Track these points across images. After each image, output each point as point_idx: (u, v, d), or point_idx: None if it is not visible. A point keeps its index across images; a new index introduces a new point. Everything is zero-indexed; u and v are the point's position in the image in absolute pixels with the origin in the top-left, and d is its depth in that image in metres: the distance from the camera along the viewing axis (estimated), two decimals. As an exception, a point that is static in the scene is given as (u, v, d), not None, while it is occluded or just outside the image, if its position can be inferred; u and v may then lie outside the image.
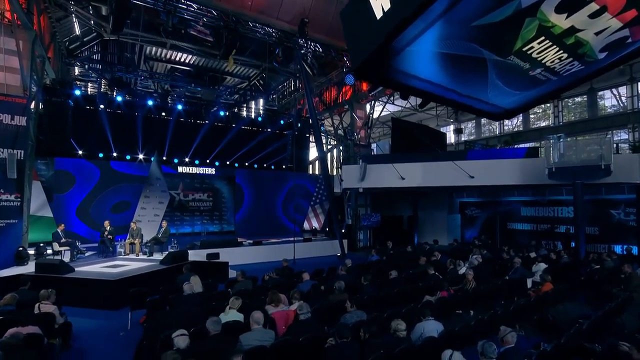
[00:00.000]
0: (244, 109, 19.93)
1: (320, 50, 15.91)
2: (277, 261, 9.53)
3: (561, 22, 1.48)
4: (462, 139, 23.61)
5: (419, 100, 15.88)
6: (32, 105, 10.33)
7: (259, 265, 10.86)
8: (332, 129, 20.80)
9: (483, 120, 23.49)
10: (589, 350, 3.83)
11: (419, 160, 14.08)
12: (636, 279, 6.93)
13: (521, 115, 21.13)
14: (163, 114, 15.40)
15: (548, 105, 19.80)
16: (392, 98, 19.75)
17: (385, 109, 19.73)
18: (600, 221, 13.47)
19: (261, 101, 22.58)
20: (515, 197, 16.33)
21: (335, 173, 19.16)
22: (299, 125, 18.45)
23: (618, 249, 12.66)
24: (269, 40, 14.37)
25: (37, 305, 4.99)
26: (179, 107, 15.49)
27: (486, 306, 6.03)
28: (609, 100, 17.81)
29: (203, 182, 16.47)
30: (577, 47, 1.65)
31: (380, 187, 14.91)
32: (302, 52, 15.08)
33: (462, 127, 23.71)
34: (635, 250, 11.96)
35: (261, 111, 20.62)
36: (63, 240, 9.63)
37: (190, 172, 16.09)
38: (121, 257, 10.06)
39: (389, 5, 1.44)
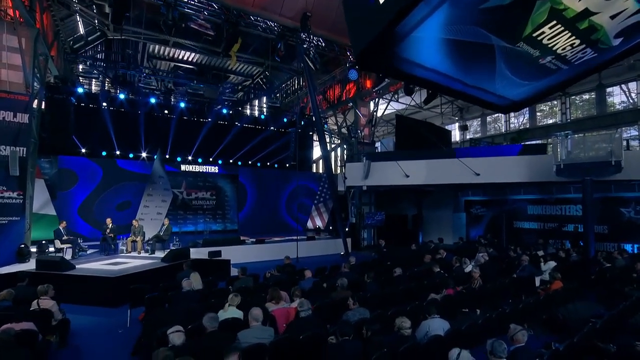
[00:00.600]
0: (248, 107, 19.87)
1: (323, 44, 15.74)
2: (279, 259, 9.42)
3: (574, 4, 1.40)
4: (468, 136, 23.34)
5: (424, 97, 15.66)
6: (35, 104, 10.33)
7: (261, 264, 10.74)
8: (335, 127, 20.66)
9: (489, 118, 23.21)
10: (603, 350, 3.66)
11: (421, 157, 13.91)
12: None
13: (527, 112, 20.85)
14: (166, 111, 15.35)
15: (555, 102, 19.51)
16: (396, 96, 19.57)
17: (389, 107, 19.54)
18: (610, 220, 13.20)
19: (264, 99, 22.51)
20: (522, 195, 16.08)
21: (339, 172, 19.01)
22: (302, 123, 18.33)
23: (628, 247, 12.37)
24: (271, 34, 14.21)
25: (35, 301, 4.93)
26: (182, 104, 15.45)
27: (493, 304, 5.87)
28: (618, 96, 17.47)
29: (206, 181, 16.40)
30: (590, 32, 1.55)
31: (385, 185, 14.75)
32: (305, 46, 14.92)
33: (467, 124, 23.45)
34: (646, 249, 11.68)
35: (264, 109, 20.55)
36: (65, 237, 9.59)
37: (193, 170, 16.04)
38: (123, 254, 10.02)
39: None
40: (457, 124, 23.95)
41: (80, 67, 17.49)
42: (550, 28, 1.52)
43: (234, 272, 9.29)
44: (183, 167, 15.75)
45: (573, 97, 18.88)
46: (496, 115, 22.87)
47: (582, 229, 12.70)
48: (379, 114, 19.31)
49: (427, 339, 3.81)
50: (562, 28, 1.52)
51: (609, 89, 17.55)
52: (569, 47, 1.65)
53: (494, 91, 2.24)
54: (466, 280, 6.84)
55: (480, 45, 1.62)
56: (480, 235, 16.00)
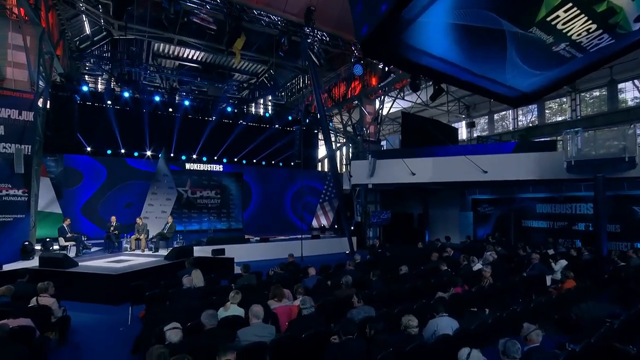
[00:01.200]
0: (252, 105, 19.80)
1: (328, 39, 15.56)
2: (284, 258, 9.33)
3: None
4: (475, 134, 23.01)
5: (430, 94, 15.44)
6: (40, 102, 10.35)
7: (265, 262, 10.64)
8: (341, 126, 20.49)
9: (496, 116, 22.87)
10: (622, 352, 3.47)
11: (426, 154, 13.70)
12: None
13: (536, 110, 20.49)
14: (170, 110, 15.34)
15: (564, 99, 19.14)
16: (402, 93, 19.35)
17: (395, 105, 19.33)
18: (622, 218, 12.85)
19: (269, 98, 22.44)
20: (530, 193, 15.77)
21: (344, 170, 18.86)
22: (307, 120, 18.21)
23: (642, 247, 12.02)
24: (274, 29, 14.07)
25: (35, 298, 4.87)
26: (186, 103, 15.42)
27: (502, 304, 5.68)
28: (631, 92, 17.05)
29: (211, 179, 16.36)
30: (609, 15, 1.45)
31: (390, 183, 14.57)
32: (309, 41, 14.73)
33: (474, 121, 23.13)
34: (661, 248, 11.32)
35: (269, 107, 20.46)
36: (69, 235, 9.60)
37: (198, 169, 16.02)
38: (127, 252, 10.00)
39: None
40: (464, 122, 23.64)
41: (86, 65, 17.58)
42: (565, 11, 1.43)
43: (238, 270, 9.20)
44: (188, 166, 15.73)
45: (583, 93, 18.48)
46: (504, 112, 22.52)
47: (592, 227, 12.38)
48: (385, 112, 19.11)
49: (435, 338, 3.67)
50: (579, 11, 1.43)
51: (620, 85, 17.14)
52: (585, 33, 1.57)
53: (504, 82, 2.16)
54: (474, 278, 6.67)
55: (491, 31, 1.55)
56: (489, 234, 15.74)
